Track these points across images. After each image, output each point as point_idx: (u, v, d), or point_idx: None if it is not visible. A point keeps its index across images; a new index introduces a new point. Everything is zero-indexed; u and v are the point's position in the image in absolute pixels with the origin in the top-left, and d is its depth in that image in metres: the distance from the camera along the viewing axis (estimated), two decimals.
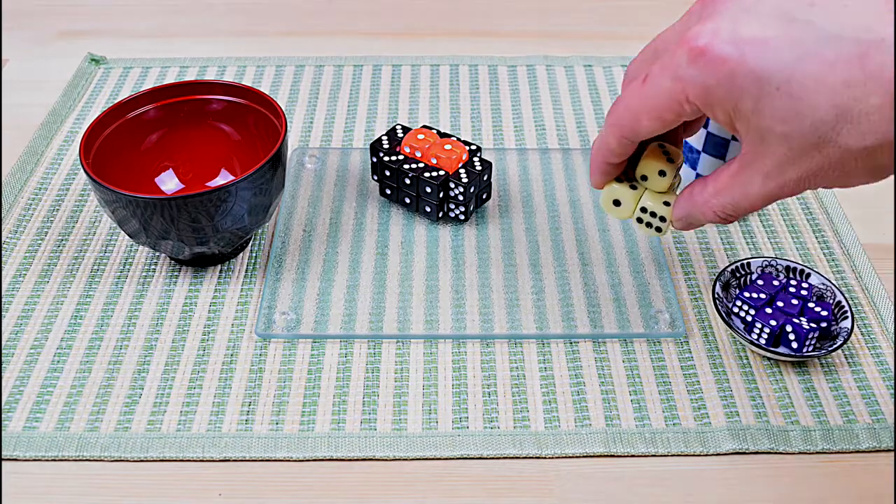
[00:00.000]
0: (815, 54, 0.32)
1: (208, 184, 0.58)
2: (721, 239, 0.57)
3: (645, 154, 0.42)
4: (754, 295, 0.49)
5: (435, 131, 0.57)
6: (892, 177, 0.27)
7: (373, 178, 0.59)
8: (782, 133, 0.33)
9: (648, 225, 0.43)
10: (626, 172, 0.43)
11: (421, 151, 0.56)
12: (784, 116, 0.33)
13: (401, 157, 0.56)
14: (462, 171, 0.55)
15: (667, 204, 0.42)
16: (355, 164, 0.63)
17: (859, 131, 0.32)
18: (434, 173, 0.55)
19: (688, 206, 0.40)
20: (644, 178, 0.42)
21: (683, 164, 0.45)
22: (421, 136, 0.56)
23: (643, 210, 0.43)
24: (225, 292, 0.53)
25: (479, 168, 0.55)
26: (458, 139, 0.57)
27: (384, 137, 0.58)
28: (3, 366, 0.48)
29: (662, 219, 0.42)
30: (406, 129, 0.59)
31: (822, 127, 0.33)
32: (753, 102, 0.33)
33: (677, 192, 0.42)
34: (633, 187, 0.43)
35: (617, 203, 0.43)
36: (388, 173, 0.57)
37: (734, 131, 0.36)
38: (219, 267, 0.55)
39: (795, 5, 0.33)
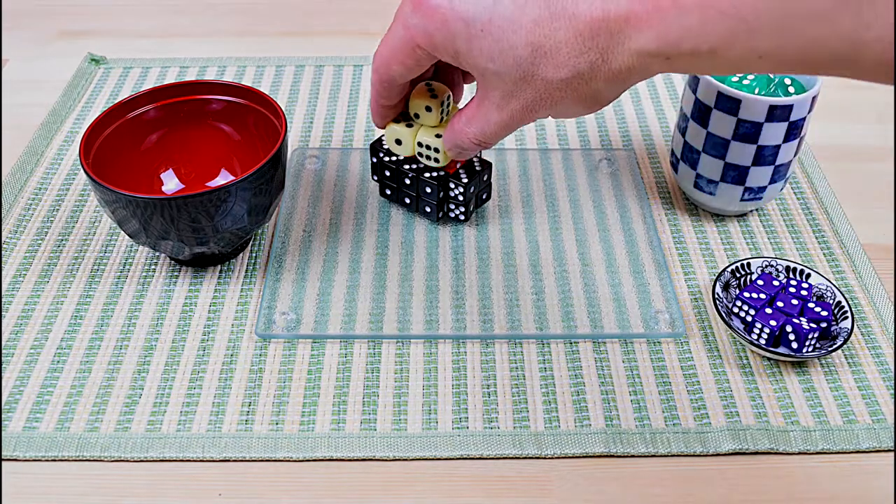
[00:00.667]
0: None
1: (208, 184, 0.58)
2: (721, 239, 0.57)
3: (412, 93, 0.48)
4: (754, 295, 0.49)
5: None
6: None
7: (373, 178, 0.59)
8: (494, 70, 0.39)
9: (428, 158, 0.50)
10: (405, 114, 0.50)
11: None
12: (491, 55, 0.38)
13: (401, 157, 0.56)
14: (462, 171, 0.55)
15: (439, 137, 0.48)
16: (355, 164, 0.63)
17: (554, 64, 0.37)
18: (434, 173, 0.55)
19: (451, 135, 0.45)
20: (416, 115, 0.48)
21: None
22: None
23: (420, 144, 0.49)
24: (225, 292, 0.53)
25: (478, 168, 0.55)
26: None
27: (384, 137, 0.58)
28: (3, 366, 0.48)
29: (437, 150, 0.49)
30: None
31: (523, 63, 0.38)
32: (466, 44, 0.39)
33: None
34: (410, 125, 0.49)
35: (398, 142, 0.50)
36: (388, 173, 0.57)
37: (465, 75, 0.46)
38: (219, 267, 0.55)
39: None
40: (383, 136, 0.58)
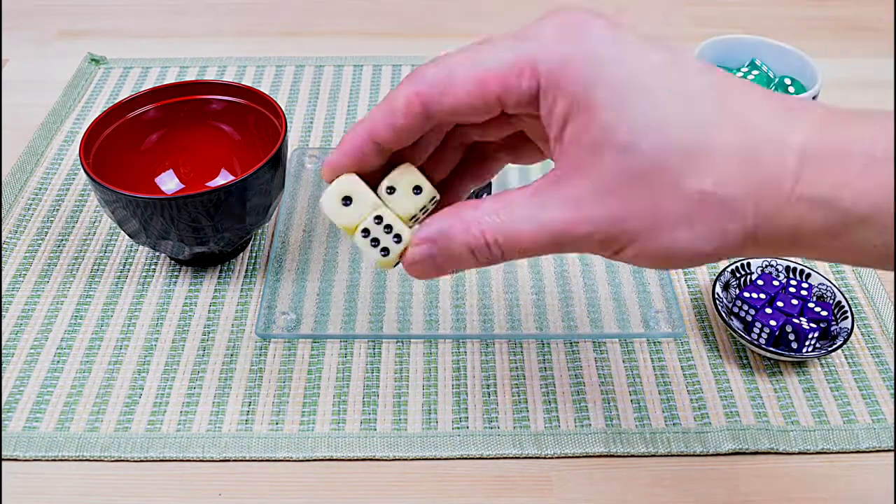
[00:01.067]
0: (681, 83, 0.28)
1: (208, 184, 0.58)
2: None
3: (400, 167, 0.33)
4: (754, 295, 0.49)
5: None
6: None
7: None
8: (626, 143, 0.27)
9: (374, 242, 0.33)
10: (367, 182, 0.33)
11: None
12: (636, 123, 0.27)
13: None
14: None
15: (411, 226, 0.33)
16: None
17: (706, 171, 0.27)
18: None
19: (448, 220, 0.31)
20: (391, 190, 0.33)
21: None
22: None
23: (377, 219, 0.32)
24: (225, 292, 0.53)
25: None
26: None
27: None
28: (3, 366, 0.48)
29: (398, 238, 0.32)
30: None
31: (670, 147, 0.27)
32: (610, 93, 0.27)
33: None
34: (374, 192, 0.33)
35: (347, 201, 0.33)
36: None
37: (557, 135, 0.29)
38: (219, 267, 0.55)
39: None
40: None
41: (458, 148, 0.35)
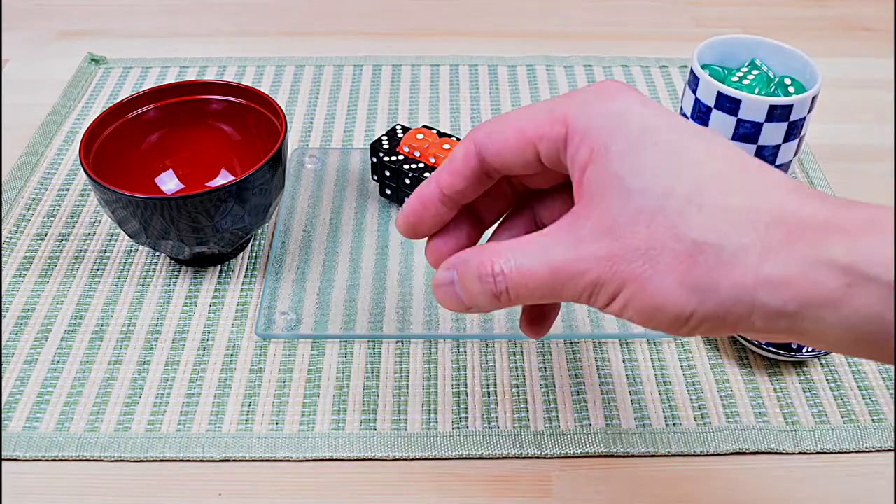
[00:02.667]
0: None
1: (208, 184, 0.58)
2: None
3: None
4: None
5: (434, 131, 0.57)
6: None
7: (373, 179, 0.59)
8: (630, 185, 0.29)
9: None
10: None
11: (420, 151, 0.56)
12: (644, 168, 0.29)
13: (400, 157, 0.56)
14: None
15: None
16: (355, 164, 0.63)
17: (700, 218, 0.28)
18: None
19: (474, 251, 0.32)
20: None
21: None
22: (420, 136, 0.56)
23: None
24: (225, 292, 0.53)
25: None
26: (457, 139, 0.57)
27: (384, 137, 0.58)
28: (3, 366, 0.48)
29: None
30: (406, 129, 0.59)
31: (675, 192, 0.28)
32: (627, 142, 0.29)
33: None
34: None
35: None
36: (388, 173, 0.57)
37: (578, 179, 0.31)
38: (219, 267, 0.55)
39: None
40: (383, 135, 0.58)
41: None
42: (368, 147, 0.62)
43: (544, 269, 0.30)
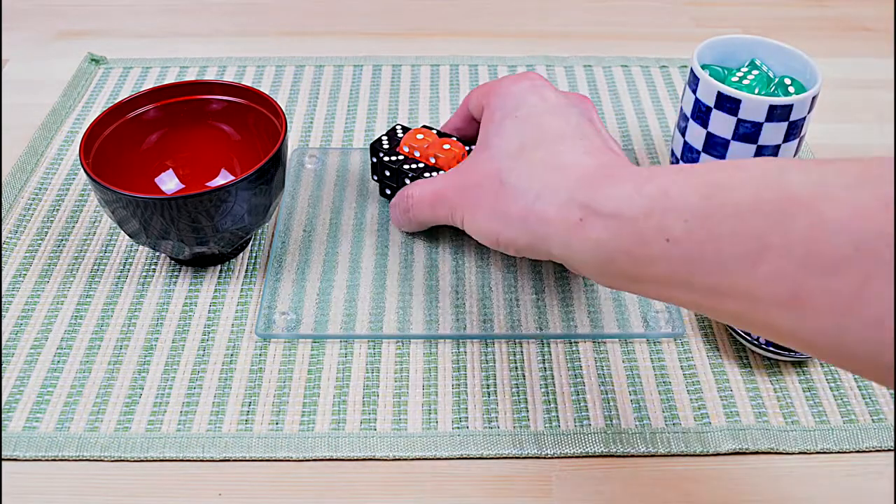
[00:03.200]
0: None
1: (208, 184, 0.58)
2: None
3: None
4: None
5: (434, 131, 0.57)
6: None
7: (373, 178, 0.59)
8: (486, 144, 0.44)
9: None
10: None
11: (420, 151, 0.56)
12: (503, 132, 0.43)
13: (400, 157, 0.56)
14: None
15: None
16: (355, 164, 0.63)
17: (516, 167, 0.42)
18: (434, 173, 0.55)
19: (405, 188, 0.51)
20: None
21: None
22: (420, 136, 0.56)
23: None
24: (225, 292, 0.53)
25: None
26: (457, 139, 0.57)
27: (384, 137, 0.58)
28: (3, 366, 0.48)
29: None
30: (406, 129, 0.59)
31: (512, 149, 0.42)
32: (502, 115, 0.44)
33: None
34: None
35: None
36: (388, 173, 0.57)
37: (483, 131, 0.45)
38: (219, 267, 0.55)
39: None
40: (383, 135, 0.58)
41: None
42: (368, 147, 0.62)
43: (430, 194, 0.46)
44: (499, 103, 0.44)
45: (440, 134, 0.57)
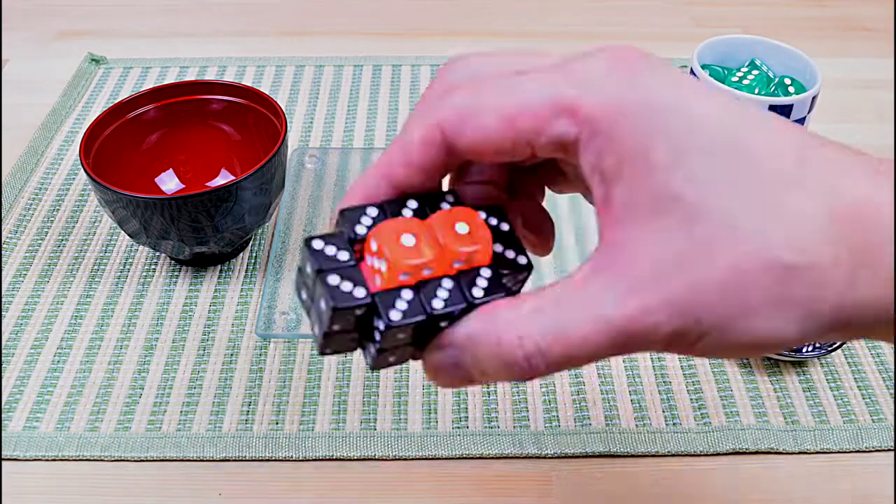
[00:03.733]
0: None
1: (208, 184, 0.58)
2: None
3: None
4: None
5: (411, 210, 0.27)
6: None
7: (320, 345, 0.32)
8: (692, 208, 0.22)
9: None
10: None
11: (410, 270, 0.25)
12: (705, 185, 0.22)
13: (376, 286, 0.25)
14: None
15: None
16: (355, 164, 0.63)
17: (780, 233, 0.22)
18: (497, 293, 0.25)
19: (481, 325, 0.24)
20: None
21: None
22: (407, 239, 0.25)
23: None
24: (225, 292, 0.53)
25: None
26: (454, 202, 0.27)
27: (326, 239, 0.25)
28: (3, 366, 0.48)
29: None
30: (356, 211, 0.26)
31: (747, 206, 0.22)
32: (673, 150, 0.22)
33: None
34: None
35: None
36: (376, 336, 0.26)
37: (604, 196, 0.23)
38: (219, 267, 0.55)
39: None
40: (324, 235, 0.27)
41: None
42: (368, 147, 0.62)
43: (597, 334, 0.22)
44: (635, 128, 0.22)
45: (421, 211, 0.26)
